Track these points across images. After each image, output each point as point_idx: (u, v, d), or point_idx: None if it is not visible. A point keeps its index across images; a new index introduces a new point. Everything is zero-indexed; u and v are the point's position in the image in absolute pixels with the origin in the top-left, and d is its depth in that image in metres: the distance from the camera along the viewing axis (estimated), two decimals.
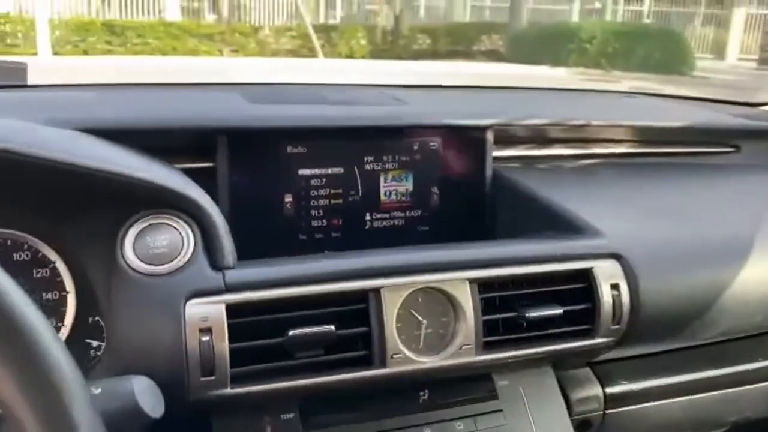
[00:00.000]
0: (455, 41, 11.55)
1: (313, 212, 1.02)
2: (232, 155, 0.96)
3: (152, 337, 0.71)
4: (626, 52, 8.70)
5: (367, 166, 1.03)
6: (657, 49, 8.69)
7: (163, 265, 0.74)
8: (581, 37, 9.05)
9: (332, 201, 1.02)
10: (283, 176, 0.99)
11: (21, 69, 1.30)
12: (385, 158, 1.04)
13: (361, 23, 12.58)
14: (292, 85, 1.36)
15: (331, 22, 13.30)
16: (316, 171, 1.01)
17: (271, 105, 1.01)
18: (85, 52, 8.91)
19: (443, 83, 1.41)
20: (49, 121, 0.82)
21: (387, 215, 1.05)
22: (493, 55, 10.83)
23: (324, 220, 1.02)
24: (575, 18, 12.92)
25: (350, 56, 10.67)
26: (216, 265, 0.77)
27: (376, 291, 0.79)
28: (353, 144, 1.02)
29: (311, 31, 10.35)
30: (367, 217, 1.04)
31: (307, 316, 0.77)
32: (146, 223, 0.77)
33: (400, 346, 0.80)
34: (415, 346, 0.82)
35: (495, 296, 0.86)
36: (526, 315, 0.85)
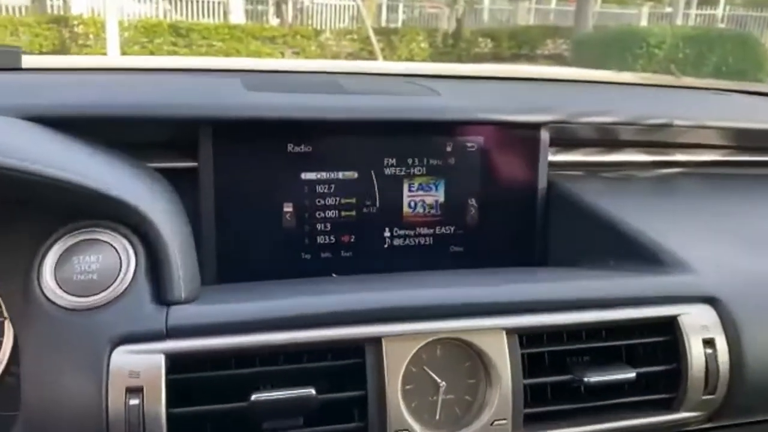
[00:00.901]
0: (518, 45, 11.26)
1: (319, 226, 0.82)
2: (218, 152, 0.77)
3: (67, 400, 0.53)
4: (698, 58, 8.32)
5: (388, 171, 0.83)
6: (731, 54, 8.25)
7: (89, 296, 0.56)
8: (650, 42, 8.72)
9: (343, 213, 0.83)
10: (283, 180, 0.80)
11: (15, 54, 1.15)
12: (410, 161, 0.83)
13: (422, 27, 12.45)
14: (303, 73, 1.16)
15: (392, 25, 13.21)
16: (324, 175, 0.81)
17: (271, 93, 0.82)
18: (152, 53, 9.10)
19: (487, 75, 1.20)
20: None
21: (411, 232, 0.85)
22: (558, 59, 10.52)
23: (332, 236, 0.83)
24: (644, 22, 12.45)
25: (410, 59, 10.52)
26: (161, 298, 0.58)
27: (376, 341, 0.59)
28: (371, 142, 0.82)
29: (371, 34, 10.31)
30: (386, 234, 0.84)
31: (278, 374, 0.57)
32: (75, 240, 0.58)
33: (408, 417, 0.59)
34: (429, 418, 0.61)
35: (542, 352, 0.64)
36: (585, 379, 0.63)
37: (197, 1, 11.45)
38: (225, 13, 11.67)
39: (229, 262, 0.79)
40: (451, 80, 1.09)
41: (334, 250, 0.83)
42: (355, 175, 0.82)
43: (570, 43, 10.97)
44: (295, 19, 12.43)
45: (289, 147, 0.80)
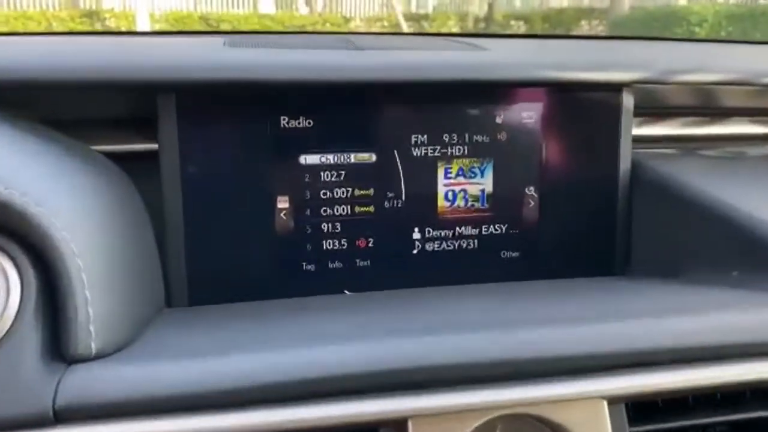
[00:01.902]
0: (552, 27, 10.87)
1: (325, 227, 0.61)
2: (184, 129, 0.57)
3: None
4: (741, 37, 7.90)
5: (416, 151, 0.62)
6: None
7: None
8: (690, 21, 8.32)
9: (356, 208, 0.62)
10: (275, 166, 0.60)
11: None
12: (446, 138, 0.62)
13: (453, 11, 12.16)
14: (307, 33, 0.95)
15: (422, 11, 12.93)
16: (330, 158, 0.61)
17: (257, 49, 0.61)
18: None
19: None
20: None
21: (448, 233, 0.63)
22: None
23: (343, 240, 0.62)
24: (683, 1, 11.95)
25: None
26: (56, 352, 0.37)
27: (399, 424, 0.38)
28: (394, 113, 0.61)
29: (401, 20, 10.12)
30: (416, 236, 0.63)
31: None
32: None
33: None
34: None
35: (661, 430, 0.42)
36: None
37: None
38: (255, 3, 11.56)
39: (203, 277, 0.59)
40: (500, 39, 0.86)
41: (346, 259, 0.62)
42: (373, 157, 0.61)
43: (606, 24, 10.56)
44: (324, 7, 12.25)
45: (283, 121, 0.59)
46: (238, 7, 11.48)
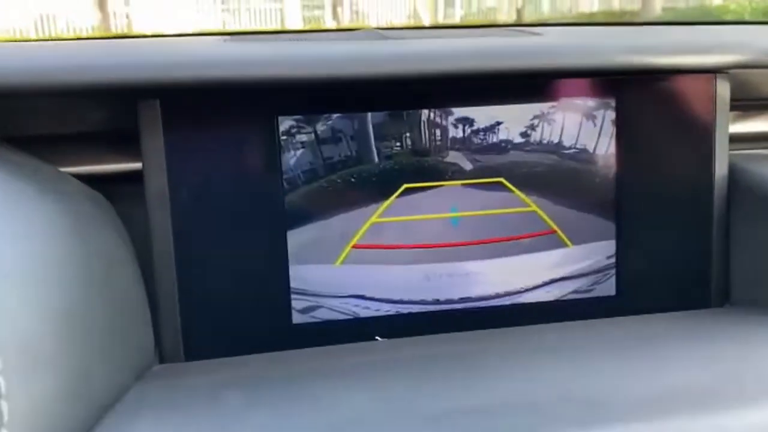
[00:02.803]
0: None
1: None
2: (172, 143, 0.46)
3: None
4: None
5: (450, 160, 0.50)
6: None
7: None
8: (726, 20, 8.08)
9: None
10: (287, 186, 0.48)
11: None
12: (489, 141, 0.50)
13: (480, 20, 12.06)
14: (327, 31, 0.83)
15: (449, 20, 12.84)
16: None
17: (259, 43, 0.50)
18: None
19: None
20: None
21: (502, 262, 0.51)
22: None
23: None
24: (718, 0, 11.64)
25: None
26: None
27: None
28: (428, 121, 0.49)
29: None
30: (465, 269, 0.51)
31: None
32: None
33: None
34: None
35: None
36: None
37: (255, 10, 11.43)
38: (282, 20, 11.62)
39: (201, 325, 0.48)
40: (549, 27, 0.74)
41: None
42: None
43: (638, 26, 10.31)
44: (351, 20, 12.26)
45: (297, 130, 0.48)
46: (266, 24, 11.57)
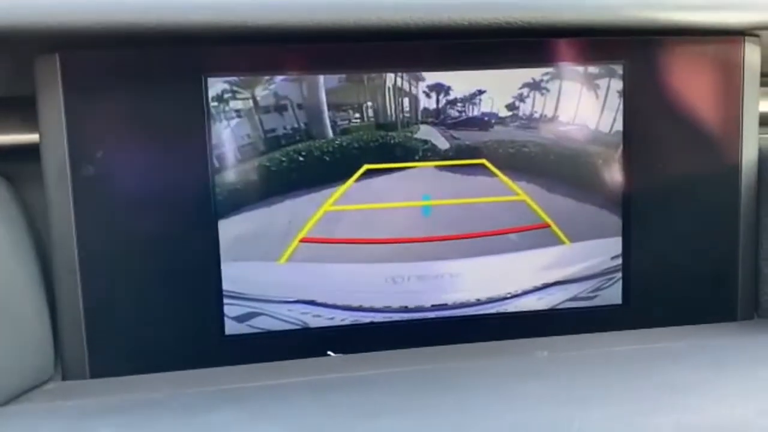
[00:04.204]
0: None
1: None
2: (73, 107, 0.37)
3: None
4: None
5: (424, 133, 0.41)
6: None
7: None
8: None
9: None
10: (211, 154, 0.39)
11: None
12: (468, 114, 0.41)
13: None
14: None
15: None
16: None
17: None
18: None
19: None
20: None
21: (483, 261, 0.42)
22: None
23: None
24: None
25: None
26: None
27: None
28: (378, 79, 0.40)
29: None
30: (434, 270, 0.42)
31: None
32: None
33: None
34: None
35: None
36: None
37: None
38: None
39: (109, 333, 0.39)
40: None
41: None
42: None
43: None
44: None
45: (234, 94, 0.39)
46: None
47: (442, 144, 0.41)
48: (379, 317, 0.42)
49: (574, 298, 0.43)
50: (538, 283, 0.43)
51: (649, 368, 0.37)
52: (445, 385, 0.36)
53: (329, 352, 0.41)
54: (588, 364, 0.37)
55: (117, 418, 0.31)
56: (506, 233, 0.42)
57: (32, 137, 0.40)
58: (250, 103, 0.39)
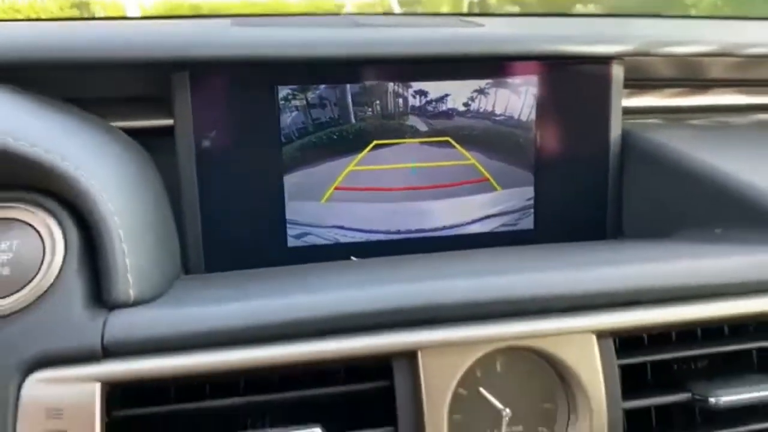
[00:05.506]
0: (548, 8, 10.84)
1: None
2: (198, 105, 0.60)
3: None
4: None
5: (413, 125, 0.65)
6: None
7: None
8: (685, 1, 8.27)
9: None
10: (282, 139, 0.63)
11: None
12: (443, 111, 0.65)
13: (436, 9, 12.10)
14: (311, 15, 0.98)
15: (413, 9, 12.85)
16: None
17: (261, 28, 0.64)
18: None
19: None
20: None
21: (450, 202, 0.67)
22: None
23: None
24: None
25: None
26: (99, 299, 0.41)
27: (409, 355, 0.42)
28: (389, 89, 0.64)
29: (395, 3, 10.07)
30: (423, 206, 0.66)
31: (271, 405, 0.40)
32: None
33: None
34: None
35: (646, 362, 0.46)
36: (712, 399, 0.44)
37: None
38: None
39: (218, 245, 0.62)
40: (497, 17, 0.89)
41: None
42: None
43: (602, 5, 10.51)
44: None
45: (288, 97, 0.62)
46: None
47: (423, 128, 0.65)
48: (383, 236, 0.66)
49: (503, 225, 0.68)
50: (481, 215, 0.68)
51: (550, 251, 0.61)
52: (422, 260, 0.58)
53: (352, 257, 0.65)
54: (514, 251, 0.61)
55: (259, 280, 0.53)
56: (461, 185, 0.67)
57: (166, 122, 0.63)
58: (304, 101, 0.62)
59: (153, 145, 0.62)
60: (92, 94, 0.60)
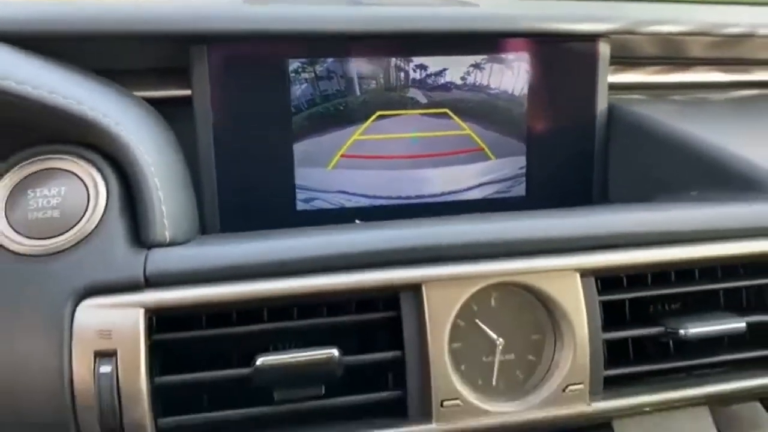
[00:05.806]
0: None
1: None
2: (215, 77, 0.65)
3: (22, 369, 0.41)
4: None
5: (411, 97, 0.70)
6: None
7: (49, 239, 0.45)
8: None
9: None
10: (292, 110, 0.67)
11: None
12: (438, 85, 0.70)
13: None
14: None
15: None
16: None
17: (273, 5, 0.69)
18: None
19: None
20: None
21: (450, 169, 0.71)
22: None
23: None
24: None
25: None
26: (139, 238, 0.46)
27: (414, 288, 0.47)
28: (388, 63, 0.69)
29: None
30: (424, 174, 0.71)
31: (292, 331, 0.45)
32: (30, 170, 0.47)
33: (457, 383, 0.47)
34: (484, 384, 0.49)
35: (624, 299, 0.51)
36: (682, 331, 0.50)
37: None
38: None
39: (233, 208, 0.67)
40: None
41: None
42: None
43: None
44: None
45: (298, 71, 0.67)
46: None
47: (422, 99, 0.70)
48: (385, 202, 0.71)
49: (497, 192, 0.73)
50: (476, 182, 0.72)
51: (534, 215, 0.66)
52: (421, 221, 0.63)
53: (357, 221, 0.70)
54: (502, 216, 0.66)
55: (276, 232, 0.57)
56: (458, 154, 0.72)
57: (183, 92, 0.67)
58: (312, 74, 0.67)
59: (170, 114, 0.66)
60: (114, 66, 0.65)
